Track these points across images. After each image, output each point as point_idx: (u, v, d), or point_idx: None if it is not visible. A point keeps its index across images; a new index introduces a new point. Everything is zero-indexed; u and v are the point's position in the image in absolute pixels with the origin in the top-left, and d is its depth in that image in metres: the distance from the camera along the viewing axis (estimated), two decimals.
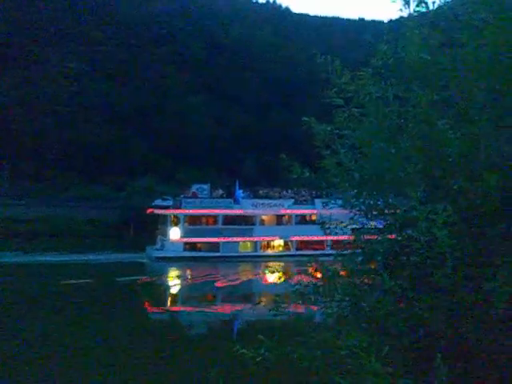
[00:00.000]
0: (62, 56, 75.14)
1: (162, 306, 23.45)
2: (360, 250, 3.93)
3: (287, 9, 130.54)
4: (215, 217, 38.38)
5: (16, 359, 13.84)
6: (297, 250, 37.93)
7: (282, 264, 34.02)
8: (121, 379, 12.43)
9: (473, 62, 3.57)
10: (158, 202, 40.73)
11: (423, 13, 3.95)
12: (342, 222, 4.46)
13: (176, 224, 37.78)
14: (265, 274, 31.78)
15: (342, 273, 3.99)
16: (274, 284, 27.77)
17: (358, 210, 3.95)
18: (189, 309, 22.95)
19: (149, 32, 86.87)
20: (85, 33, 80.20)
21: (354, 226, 4.31)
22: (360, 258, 3.92)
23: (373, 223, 4.07)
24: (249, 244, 38.82)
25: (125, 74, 77.61)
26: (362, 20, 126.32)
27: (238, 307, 22.73)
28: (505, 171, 3.45)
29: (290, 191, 40.69)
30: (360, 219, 4.06)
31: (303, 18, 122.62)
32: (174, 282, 31.27)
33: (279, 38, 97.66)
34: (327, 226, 4.41)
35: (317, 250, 33.26)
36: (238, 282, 29.40)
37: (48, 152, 60.62)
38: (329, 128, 4.01)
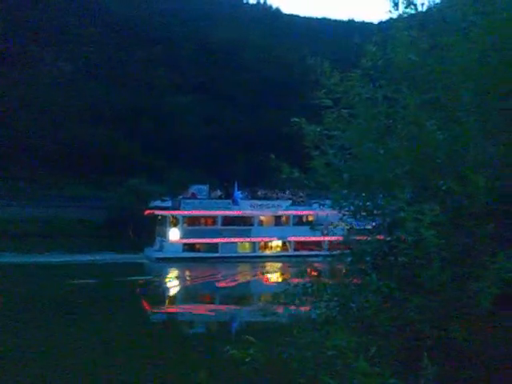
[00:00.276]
0: (55, 56, 75.13)
1: (174, 304, 24.34)
2: (349, 251, 3.95)
3: (278, 10, 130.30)
4: (214, 218, 38.54)
5: (16, 359, 13.88)
6: (294, 250, 38.02)
7: (280, 264, 34.14)
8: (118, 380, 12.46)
9: (460, 64, 3.59)
10: (157, 203, 40.97)
11: (412, 15, 3.97)
12: (331, 223, 4.48)
13: (175, 225, 37.89)
14: (263, 274, 31.90)
15: (332, 273, 4.01)
16: (273, 284, 28.04)
17: (347, 211, 3.96)
18: (201, 308, 23.38)
19: (141, 32, 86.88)
20: (78, 33, 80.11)
21: (347, 227, 4.33)
22: (349, 259, 3.94)
23: (363, 224, 4.09)
24: (247, 245, 38.96)
25: (116, 74, 77.53)
26: (351, 21, 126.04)
27: (239, 307, 22.89)
28: (492, 172, 3.47)
29: (287, 192, 40.76)
30: (349, 220, 4.07)
31: (294, 18, 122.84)
32: (179, 282, 31.57)
33: (270, 39, 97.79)
34: (317, 227, 4.44)
35: (314, 250, 33.29)
36: (236, 282, 29.53)
37: (39, 152, 60.52)
38: (318, 129, 4.02)
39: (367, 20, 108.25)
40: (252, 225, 39.14)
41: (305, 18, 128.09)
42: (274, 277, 32.27)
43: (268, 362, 3.77)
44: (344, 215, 4.04)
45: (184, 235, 37.76)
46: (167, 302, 25.82)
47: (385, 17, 4.00)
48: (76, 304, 21.94)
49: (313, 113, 4.55)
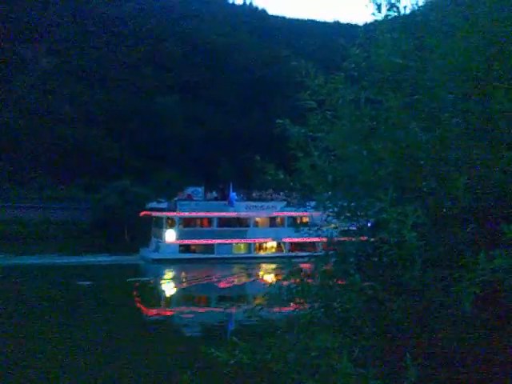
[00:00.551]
0: (39, 56, 74.74)
1: (170, 306, 24.76)
2: (333, 252, 3.96)
3: (264, 11, 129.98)
4: (210, 219, 38.78)
5: (16, 359, 13.85)
6: (289, 251, 38.15)
7: (275, 265, 34.17)
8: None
9: (442, 66, 3.61)
10: (153, 204, 41.35)
11: (396, 17, 3.99)
12: (316, 225, 4.49)
13: (171, 226, 38.10)
14: (259, 275, 31.97)
15: (316, 274, 4.01)
16: (267, 285, 27.95)
17: (331, 212, 3.97)
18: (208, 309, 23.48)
19: (125, 31, 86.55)
20: (59, 31, 79.67)
21: (342, 228, 4.34)
22: (333, 260, 3.95)
23: (347, 225, 4.10)
24: (242, 246, 39.17)
25: (99, 74, 77.19)
26: (337, 23, 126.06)
27: (234, 308, 22.96)
28: (473, 173, 3.49)
29: (281, 193, 40.90)
30: (333, 221, 4.09)
31: (279, 20, 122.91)
32: (176, 283, 31.57)
33: (256, 40, 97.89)
34: (302, 228, 4.44)
35: (308, 251, 33.36)
36: (232, 284, 29.57)
37: (21, 153, 60.21)
38: (303, 130, 4.03)
39: (353, 22, 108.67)
40: (247, 226, 39.36)
41: (291, 19, 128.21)
42: (269, 278, 32.35)
43: (252, 363, 3.77)
44: (328, 216, 4.05)
45: (180, 236, 38.00)
46: (163, 304, 25.87)
47: (370, 19, 4.02)
48: (73, 306, 21.92)
49: (300, 114, 4.56)
